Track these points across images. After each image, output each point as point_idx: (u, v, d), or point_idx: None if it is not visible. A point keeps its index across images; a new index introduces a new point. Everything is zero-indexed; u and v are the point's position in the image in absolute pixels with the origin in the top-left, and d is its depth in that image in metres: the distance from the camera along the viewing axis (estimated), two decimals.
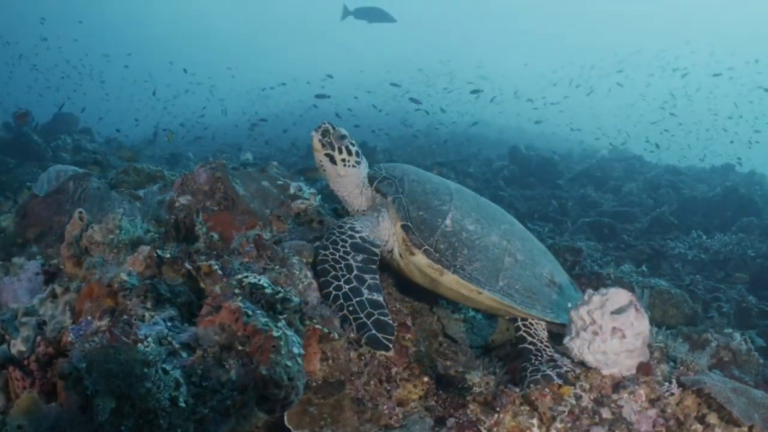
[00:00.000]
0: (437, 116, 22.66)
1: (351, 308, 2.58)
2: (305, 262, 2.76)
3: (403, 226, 2.94)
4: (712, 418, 2.14)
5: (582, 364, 2.35)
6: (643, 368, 2.28)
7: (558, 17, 58.03)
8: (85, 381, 1.63)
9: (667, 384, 2.23)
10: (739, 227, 9.41)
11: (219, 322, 1.93)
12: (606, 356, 2.25)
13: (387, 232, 3.02)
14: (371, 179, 3.18)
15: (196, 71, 29.75)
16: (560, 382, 2.40)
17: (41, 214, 4.16)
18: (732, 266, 7.84)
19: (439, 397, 2.55)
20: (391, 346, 2.52)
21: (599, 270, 5.93)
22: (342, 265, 2.74)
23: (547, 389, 2.22)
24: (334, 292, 2.63)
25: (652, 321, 2.45)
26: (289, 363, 1.84)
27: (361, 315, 2.56)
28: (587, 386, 2.24)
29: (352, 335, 2.47)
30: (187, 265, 2.36)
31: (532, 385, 2.37)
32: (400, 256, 3.01)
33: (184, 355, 1.84)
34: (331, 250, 2.80)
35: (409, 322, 2.82)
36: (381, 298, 2.69)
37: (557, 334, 2.97)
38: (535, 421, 2.17)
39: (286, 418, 2.10)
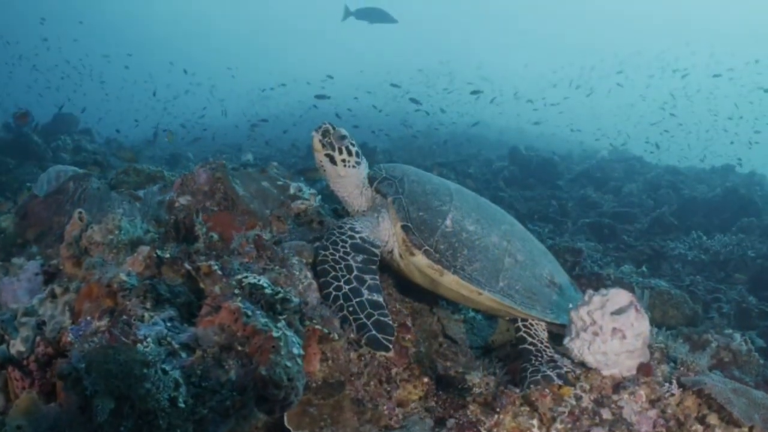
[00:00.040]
0: (437, 117, 22.67)
1: (351, 309, 2.57)
2: (305, 262, 2.75)
3: (403, 227, 2.94)
4: (713, 419, 2.14)
5: (582, 364, 2.34)
6: (644, 369, 2.28)
7: (558, 18, 58.10)
8: (84, 381, 1.63)
9: (667, 384, 2.23)
10: (739, 228, 9.41)
11: (218, 323, 1.93)
12: (606, 357, 2.24)
13: (387, 232, 3.02)
14: (371, 180, 3.18)
15: (196, 72, 29.83)
16: (560, 382, 2.39)
17: (41, 215, 4.15)
18: (732, 267, 7.84)
19: (439, 397, 2.55)
20: (391, 346, 2.51)
21: (599, 271, 5.93)
22: (342, 266, 2.74)
23: (547, 390, 2.22)
24: (334, 293, 2.63)
25: (653, 322, 2.45)
26: (288, 363, 1.83)
27: (361, 315, 2.56)
28: (587, 387, 2.23)
29: (352, 336, 2.47)
30: (187, 266, 2.36)
31: (532, 386, 2.37)
32: (400, 256, 3.01)
33: (184, 355, 1.84)
34: (331, 251, 2.80)
35: (409, 323, 2.81)
36: (381, 299, 2.68)
37: (557, 335, 2.97)
38: (535, 421, 2.17)
39: (285, 418, 2.10)
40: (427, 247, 2.88)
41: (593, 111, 32.69)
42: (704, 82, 28.98)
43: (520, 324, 3.01)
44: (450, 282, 2.88)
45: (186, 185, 3.35)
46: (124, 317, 2.00)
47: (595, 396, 2.22)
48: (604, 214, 10.35)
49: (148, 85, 28.04)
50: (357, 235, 2.91)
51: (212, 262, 2.29)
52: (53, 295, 2.54)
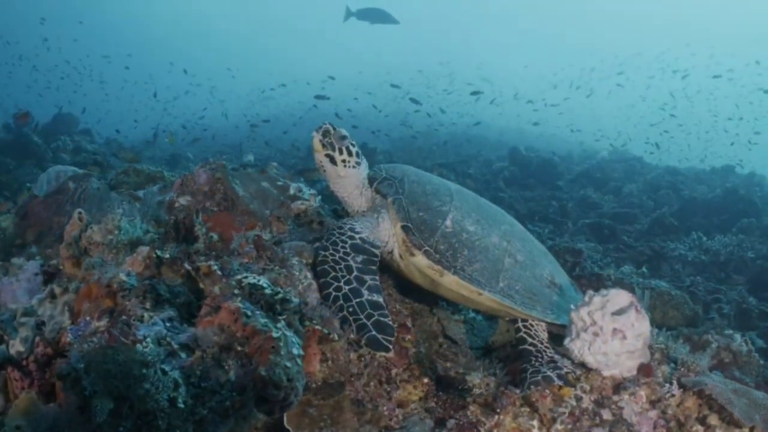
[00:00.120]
0: (437, 117, 22.66)
1: (351, 309, 2.57)
2: (305, 263, 2.75)
3: (403, 227, 2.94)
4: (713, 420, 2.13)
5: (582, 365, 2.34)
6: (644, 369, 2.27)
7: (558, 19, 58.11)
8: (83, 381, 1.62)
9: (667, 385, 2.22)
10: (739, 228, 9.41)
11: (218, 323, 1.93)
12: (607, 357, 2.24)
13: (387, 233, 3.02)
14: (371, 180, 3.18)
15: (196, 72, 29.82)
16: (561, 383, 2.39)
17: (41, 215, 4.15)
18: (732, 267, 7.84)
19: (439, 398, 2.54)
20: (391, 347, 2.51)
21: (599, 271, 5.93)
22: (342, 266, 2.73)
23: (547, 390, 2.22)
24: (333, 293, 2.62)
25: (653, 322, 2.44)
26: (288, 364, 1.83)
27: (361, 316, 2.55)
28: (588, 387, 2.23)
29: (351, 336, 2.46)
30: (187, 266, 2.35)
31: (532, 387, 2.36)
32: (400, 257, 3.00)
33: (183, 355, 1.83)
34: (331, 251, 2.80)
35: (409, 324, 2.81)
36: (381, 299, 2.68)
37: (558, 336, 2.97)
38: (535, 422, 2.16)
39: (285, 419, 2.10)
40: (427, 248, 2.88)
41: (593, 112, 32.73)
42: (704, 82, 29.00)
43: (520, 324, 3.00)
44: (450, 282, 2.88)
45: (186, 186, 3.35)
46: (124, 317, 1.99)
47: (596, 397, 2.21)
48: (604, 214, 10.36)
49: (148, 85, 28.08)
50: (357, 236, 2.91)
51: (212, 263, 2.29)
52: (52, 296, 2.54)
